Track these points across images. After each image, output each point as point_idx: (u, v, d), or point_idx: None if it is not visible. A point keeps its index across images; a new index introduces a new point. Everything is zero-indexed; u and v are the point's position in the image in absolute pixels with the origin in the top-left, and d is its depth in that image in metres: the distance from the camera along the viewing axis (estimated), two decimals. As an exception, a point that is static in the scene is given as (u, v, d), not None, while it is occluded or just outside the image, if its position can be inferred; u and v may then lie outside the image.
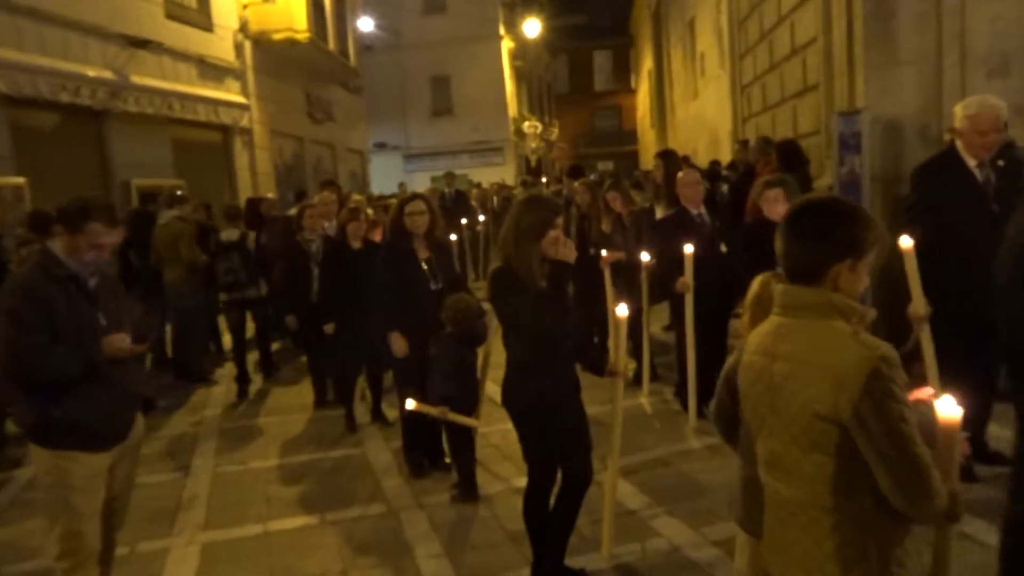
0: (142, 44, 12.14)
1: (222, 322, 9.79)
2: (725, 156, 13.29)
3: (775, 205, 4.49)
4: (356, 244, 6.09)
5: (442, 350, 4.62)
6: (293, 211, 11.63)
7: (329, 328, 6.08)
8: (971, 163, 3.98)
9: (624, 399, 3.75)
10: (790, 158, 6.91)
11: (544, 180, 22.03)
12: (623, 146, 43.05)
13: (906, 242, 3.45)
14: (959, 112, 4.03)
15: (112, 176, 11.66)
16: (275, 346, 9.67)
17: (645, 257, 6.15)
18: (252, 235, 8.30)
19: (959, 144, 4.02)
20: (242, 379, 7.56)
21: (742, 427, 2.21)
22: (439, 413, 4.44)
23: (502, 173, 25.77)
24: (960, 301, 3.61)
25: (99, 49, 11.38)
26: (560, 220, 3.34)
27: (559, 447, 3.42)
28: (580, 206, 7.33)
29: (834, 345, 1.83)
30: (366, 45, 25.12)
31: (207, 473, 5.50)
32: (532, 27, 29.89)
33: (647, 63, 29.46)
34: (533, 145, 22.25)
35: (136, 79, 11.94)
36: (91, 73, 10.92)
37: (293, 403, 7.16)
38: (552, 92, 42.59)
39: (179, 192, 8.71)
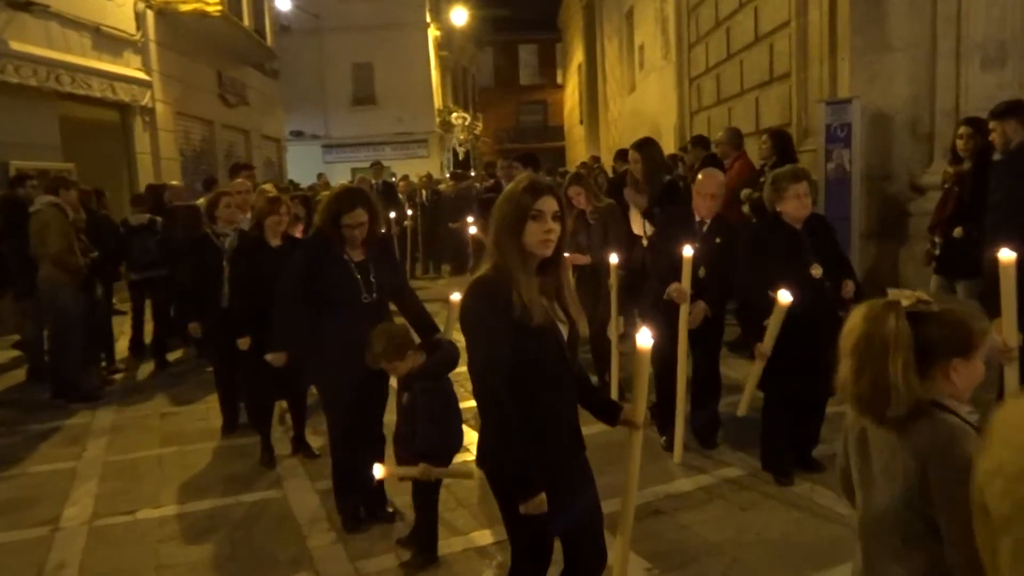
0: (24, 6, 10.62)
1: (120, 325, 8.60)
2: (668, 151, 12.66)
3: (801, 203, 3.71)
4: (275, 241, 5.04)
5: (424, 396, 3.55)
6: (201, 201, 10.40)
7: (244, 343, 5.01)
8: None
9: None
10: (787, 148, 6.21)
11: (473, 174, 21.09)
12: (548, 142, 42.57)
13: (1006, 255, 2.69)
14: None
15: (-15, 155, 10.12)
16: (176, 355, 8.47)
17: (614, 259, 5.33)
18: (160, 220, 7.93)
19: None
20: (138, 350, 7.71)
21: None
22: (421, 474, 3.43)
23: (427, 166, 24.68)
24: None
25: (-31, 8, 9.84)
26: (551, 202, 2.38)
27: (555, 526, 2.50)
28: (573, 205, 6.45)
29: None
30: (283, 26, 23.61)
31: (82, 528, 4.35)
32: (459, 16, 28.90)
33: (577, 57, 28.87)
34: (461, 137, 21.30)
35: (16, 46, 10.41)
36: (-42, 35, 9.39)
37: (196, 428, 6.02)
38: (476, 85, 41.69)
39: (62, 175, 7.37)
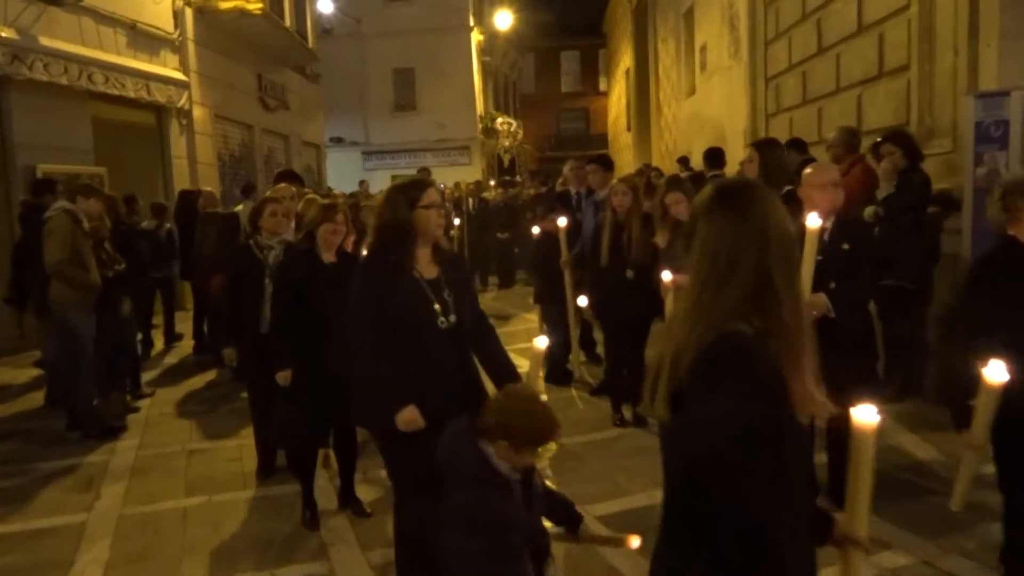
0: (55, 0, 9.98)
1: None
2: (736, 157, 11.67)
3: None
4: (328, 256, 4.20)
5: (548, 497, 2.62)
6: (239, 208, 9.65)
7: (284, 378, 4.17)
8: None
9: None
10: (916, 153, 5.24)
11: (519, 180, 20.25)
12: (591, 149, 41.54)
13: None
14: None
15: (11, 159, 9.49)
16: (209, 376, 7.71)
17: None
18: (169, 225, 7.74)
19: None
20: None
21: None
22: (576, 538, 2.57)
23: (468, 173, 23.88)
24: None
25: (-2, 1, 9.22)
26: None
27: None
28: (617, 210, 5.54)
29: None
30: (325, 29, 23.03)
31: (84, 612, 3.53)
32: (504, 19, 28.07)
33: (624, 62, 27.90)
34: (507, 143, 20.46)
35: (46, 41, 9.79)
36: (-16, 29, 8.77)
37: (227, 471, 5.19)
38: (517, 92, 40.91)
39: (85, 181, 6.63)
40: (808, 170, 3.81)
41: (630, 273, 5.52)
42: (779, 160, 4.55)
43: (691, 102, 16.65)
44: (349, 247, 5.80)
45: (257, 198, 9.90)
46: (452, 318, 3.07)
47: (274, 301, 4.40)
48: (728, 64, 13.09)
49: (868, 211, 5.37)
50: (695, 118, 16.04)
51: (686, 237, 1.67)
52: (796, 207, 4.67)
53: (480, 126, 28.23)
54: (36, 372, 7.85)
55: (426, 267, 3.12)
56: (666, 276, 4.63)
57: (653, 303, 5.59)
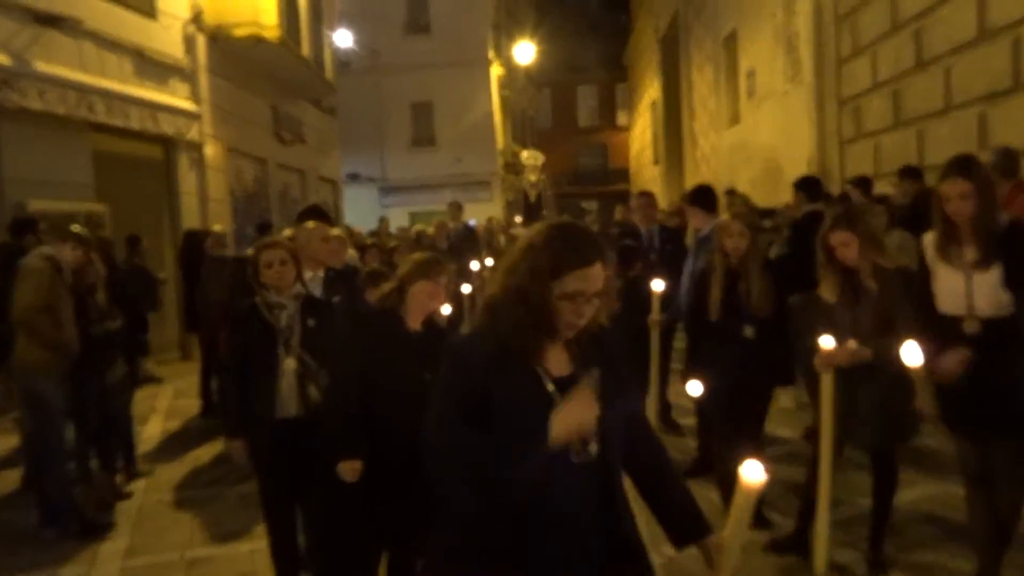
0: (52, 21, 9.03)
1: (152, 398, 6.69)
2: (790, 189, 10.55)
3: None
4: (415, 324, 3.10)
5: None
6: (253, 251, 8.58)
7: (352, 470, 3.05)
8: None
9: None
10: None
11: (545, 216, 19.21)
12: (610, 185, 40.76)
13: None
14: None
15: (1, 194, 8.45)
16: (218, 447, 6.55)
17: (914, 355, 3.13)
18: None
19: None
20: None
21: None
22: None
23: (489, 209, 22.87)
24: None
25: (-12, 21, 8.26)
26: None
27: None
28: (730, 254, 4.36)
29: None
30: (342, 62, 22.22)
31: None
32: (525, 52, 27.29)
33: (649, 94, 27.06)
34: (533, 179, 19.43)
35: (42, 66, 8.81)
36: (-30, 50, 7.79)
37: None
38: (534, 127, 40.15)
39: (74, 227, 5.50)
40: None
41: (749, 331, 4.34)
42: (993, 187, 3.38)
43: (734, 132, 15.61)
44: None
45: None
46: (594, 447, 1.88)
47: (337, 370, 3.27)
48: (784, 88, 12.02)
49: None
50: (740, 148, 14.98)
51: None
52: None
53: (501, 161, 27.31)
54: (15, 439, 6.70)
55: (556, 357, 1.94)
56: (826, 342, 3.44)
57: (776, 368, 4.48)
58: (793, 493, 4.69)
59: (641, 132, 30.51)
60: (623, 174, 39.25)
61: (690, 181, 20.68)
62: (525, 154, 21.24)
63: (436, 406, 1.91)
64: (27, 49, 8.74)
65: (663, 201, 20.01)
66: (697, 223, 5.38)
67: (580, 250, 1.80)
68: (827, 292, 3.66)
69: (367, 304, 4.53)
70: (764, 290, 4.27)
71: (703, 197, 5.43)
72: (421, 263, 3.22)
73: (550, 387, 1.87)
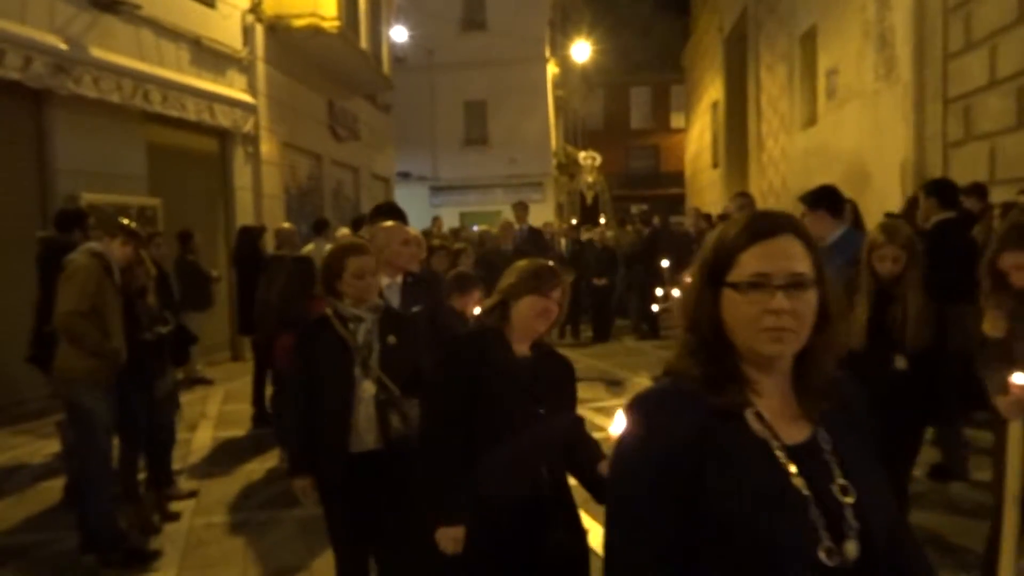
0: (110, 6, 8.69)
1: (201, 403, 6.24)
2: (891, 198, 9.74)
3: None
4: (522, 348, 2.51)
5: None
6: (310, 248, 8.10)
7: (455, 540, 2.45)
8: None
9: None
10: None
11: (603, 221, 18.52)
12: (661, 188, 39.85)
13: None
14: None
15: (51, 185, 8.12)
16: (272, 462, 6.06)
17: None
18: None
19: None
20: None
21: None
22: None
23: (542, 210, 22.24)
24: None
25: (45, 4, 7.92)
26: None
27: None
28: (880, 274, 3.67)
29: None
30: (398, 57, 21.82)
31: None
32: (582, 50, 26.61)
33: (709, 95, 26.13)
34: (590, 179, 18.77)
35: (98, 53, 8.45)
36: (26, 34, 7.44)
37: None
38: (586, 127, 39.43)
39: (124, 220, 5.05)
40: None
41: (901, 362, 3.67)
42: None
43: (810, 134, 14.74)
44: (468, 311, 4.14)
45: (331, 236, 8.33)
46: (852, 546, 1.26)
47: (435, 408, 2.66)
48: (874, 87, 11.18)
49: None
50: (818, 151, 14.11)
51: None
52: None
53: (554, 161, 26.68)
54: (57, 445, 6.29)
55: (782, 416, 1.34)
56: (1021, 379, 2.80)
57: (932, 405, 3.83)
58: (931, 544, 4.04)
59: (699, 134, 29.57)
60: (675, 178, 38.28)
61: (754, 185, 19.80)
62: (582, 155, 20.59)
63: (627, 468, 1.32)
64: (83, 35, 8.40)
65: (720, 205, 19.17)
66: (820, 230, 4.62)
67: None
68: (993, 327, 2.98)
69: (454, 314, 3.98)
70: (923, 317, 3.60)
71: (828, 199, 4.71)
72: (531, 273, 2.57)
73: (782, 461, 1.28)
